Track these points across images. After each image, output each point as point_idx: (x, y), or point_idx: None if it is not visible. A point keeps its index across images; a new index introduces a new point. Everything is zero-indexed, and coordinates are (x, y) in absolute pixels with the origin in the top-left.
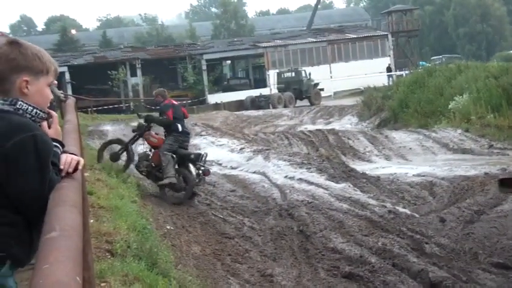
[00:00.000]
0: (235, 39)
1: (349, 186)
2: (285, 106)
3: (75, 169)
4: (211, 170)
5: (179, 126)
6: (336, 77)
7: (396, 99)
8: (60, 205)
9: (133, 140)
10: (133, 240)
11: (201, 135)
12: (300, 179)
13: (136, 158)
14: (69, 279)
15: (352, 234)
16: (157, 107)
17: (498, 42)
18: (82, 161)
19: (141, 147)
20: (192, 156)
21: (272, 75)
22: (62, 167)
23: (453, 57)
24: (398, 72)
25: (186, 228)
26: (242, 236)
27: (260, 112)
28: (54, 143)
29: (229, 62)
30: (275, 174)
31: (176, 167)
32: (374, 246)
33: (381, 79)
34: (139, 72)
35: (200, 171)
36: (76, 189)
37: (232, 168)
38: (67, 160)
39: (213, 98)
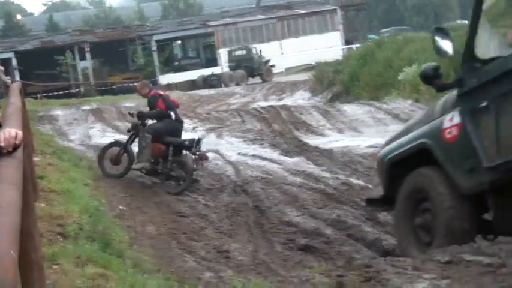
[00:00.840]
0: (185, 19)
1: (303, 160)
2: (237, 84)
3: (15, 147)
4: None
5: (172, 114)
6: (287, 53)
7: (347, 73)
8: None
9: (131, 140)
10: (86, 222)
11: None
12: (254, 155)
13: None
14: (4, 253)
15: (306, 207)
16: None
17: (445, 13)
18: (20, 134)
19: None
20: (187, 142)
21: (223, 53)
22: (1, 144)
23: (402, 29)
24: (356, 45)
25: (140, 209)
26: (197, 214)
27: (212, 91)
28: None
29: (179, 42)
30: (228, 152)
31: (174, 157)
32: (329, 218)
33: (332, 54)
34: (88, 55)
35: (197, 157)
36: (16, 167)
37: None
38: (5, 135)
39: (164, 79)
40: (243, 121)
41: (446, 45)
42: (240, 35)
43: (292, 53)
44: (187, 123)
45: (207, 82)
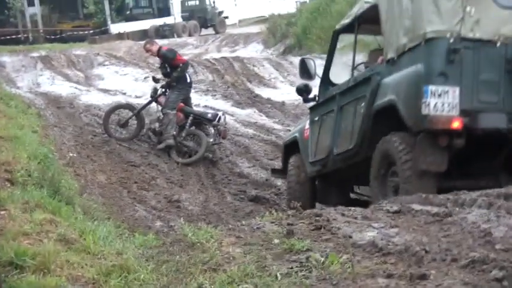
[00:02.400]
0: None
1: (255, 112)
2: (190, 35)
3: None
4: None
5: (187, 76)
6: (241, 5)
7: (300, 26)
8: None
9: (146, 106)
10: (35, 168)
11: (104, 65)
12: (206, 106)
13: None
14: None
15: (258, 158)
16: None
17: None
18: None
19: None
20: (209, 115)
21: (176, 3)
22: None
23: None
24: None
25: (90, 158)
26: (148, 164)
27: (165, 41)
28: None
29: None
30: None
31: (192, 128)
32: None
33: (286, 6)
34: (37, 1)
35: (217, 132)
36: None
37: (136, 97)
38: None
39: (116, 28)
40: (195, 72)
41: (309, 72)
42: None
43: (246, 4)
44: (139, 73)
45: (159, 32)
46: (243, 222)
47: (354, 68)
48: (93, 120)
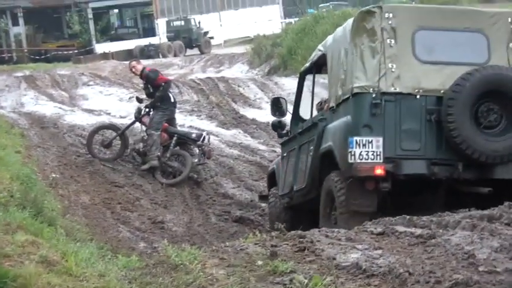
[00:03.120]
0: None
1: (240, 132)
2: (175, 55)
3: None
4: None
5: (171, 96)
6: (226, 25)
7: (285, 47)
8: None
9: (130, 126)
10: (17, 189)
11: (89, 85)
12: (191, 127)
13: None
14: None
15: (242, 179)
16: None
17: None
18: None
19: None
20: (194, 135)
21: (161, 23)
22: None
23: (340, 4)
24: (287, 20)
25: (74, 178)
26: (132, 184)
27: (150, 61)
28: None
29: (116, 10)
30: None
31: (176, 148)
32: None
33: (271, 27)
34: (21, 21)
35: (201, 152)
36: None
37: (121, 117)
38: None
39: (100, 48)
40: (180, 92)
41: (281, 109)
42: (179, 5)
43: (231, 25)
44: (123, 93)
45: (145, 52)
46: (227, 243)
47: (312, 108)
48: (77, 141)
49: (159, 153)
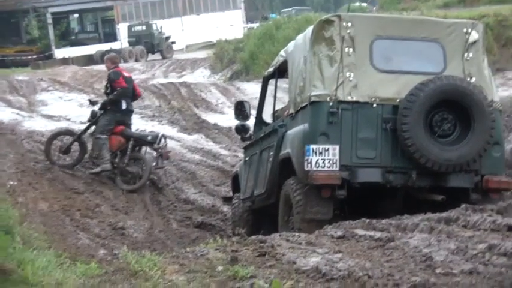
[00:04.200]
0: None
1: (201, 137)
2: (137, 60)
3: None
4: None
5: (123, 103)
6: (188, 30)
7: (247, 52)
8: None
9: (86, 130)
10: None
11: (48, 91)
12: (152, 132)
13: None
14: None
15: (204, 184)
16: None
17: None
18: None
19: None
20: (149, 138)
21: (122, 28)
22: None
23: (302, 9)
24: (249, 25)
25: (32, 185)
26: (92, 190)
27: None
28: None
29: (76, 15)
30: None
31: (134, 152)
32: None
33: (234, 32)
34: None
35: (159, 154)
36: None
37: (81, 123)
38: None
39: (60, 53)
40: (142, 97)
41: (244, 113)
42: (141, 10)
43: (193, 30)
44: (84, 99)
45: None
46: (187, 249)
47: (274, 113)
48: (35, 147)
49: (109, 157)
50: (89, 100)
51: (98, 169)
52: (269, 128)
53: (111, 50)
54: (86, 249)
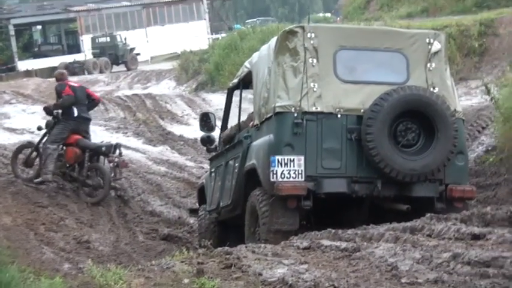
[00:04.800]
0: (45, 3)
1: (167, 149)
2: (101, 72)
3: None
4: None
5: (75, 110)
6: (153, 41)
7: (212, 63)
8: None
9: (42, 140)
10: None
11: (11, 103)
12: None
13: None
14: None
15: (170, 196)
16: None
17: (310, 6)
18: None
19: None
20: (103, 148)
21: (86, 40)
22: None
23: (267, 20)
24: (214, 35)
25: None
26: (57, 204)
27: (75, 78)
28: None
29: (39, 27)
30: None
31: (92, 163)
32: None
33: (198, 43)
34: None
35: (115, 164)
36: None
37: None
38: None
39: (23, 65)
40: (106, 109)
41: (210, 124)
42: (104, 21)
43: (158, 41)
44: None
45: (69, 69)
46: (153, 262)
47: (239, 124)
48: None
49: (53, 169)
50: (44, 107)
51: (39, 179)
52: (234, 139)
53: (74, 62)
54: (50, 264)
